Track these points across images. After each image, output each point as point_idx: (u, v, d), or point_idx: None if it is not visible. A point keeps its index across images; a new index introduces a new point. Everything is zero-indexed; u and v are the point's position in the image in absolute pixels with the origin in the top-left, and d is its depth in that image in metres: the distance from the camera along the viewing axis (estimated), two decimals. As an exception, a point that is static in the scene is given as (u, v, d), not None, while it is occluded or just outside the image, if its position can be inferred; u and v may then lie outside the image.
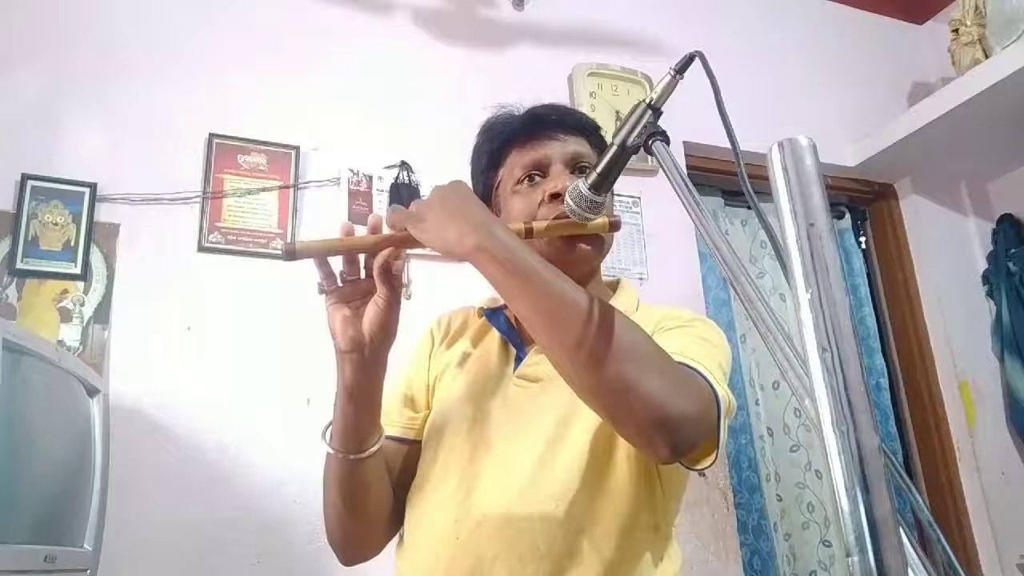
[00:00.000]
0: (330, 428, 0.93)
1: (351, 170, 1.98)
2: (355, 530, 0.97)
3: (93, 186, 1.74)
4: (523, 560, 0.86)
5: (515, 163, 1.03)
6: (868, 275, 2.77)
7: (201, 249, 1.80)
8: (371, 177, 2.00)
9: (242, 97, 1.95)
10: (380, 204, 1.98)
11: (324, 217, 1.92)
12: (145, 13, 1.92)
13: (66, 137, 1.77)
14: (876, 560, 0.40)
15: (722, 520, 2.06)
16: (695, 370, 0.83)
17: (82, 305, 1.68)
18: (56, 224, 1.70)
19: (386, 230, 0.85)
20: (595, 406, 0.80)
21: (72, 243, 1.70)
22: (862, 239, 2.84)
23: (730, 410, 0.87)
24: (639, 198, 2.25)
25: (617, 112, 2.29)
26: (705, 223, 0.70)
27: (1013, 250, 2.68)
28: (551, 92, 2.25)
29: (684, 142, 2.29)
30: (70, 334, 1.65)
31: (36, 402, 1.28)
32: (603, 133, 1.08)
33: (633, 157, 0.85)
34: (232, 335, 1.77)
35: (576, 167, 1.01)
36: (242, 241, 1.84)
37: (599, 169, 0.87)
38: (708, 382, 0.83)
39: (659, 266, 2.23)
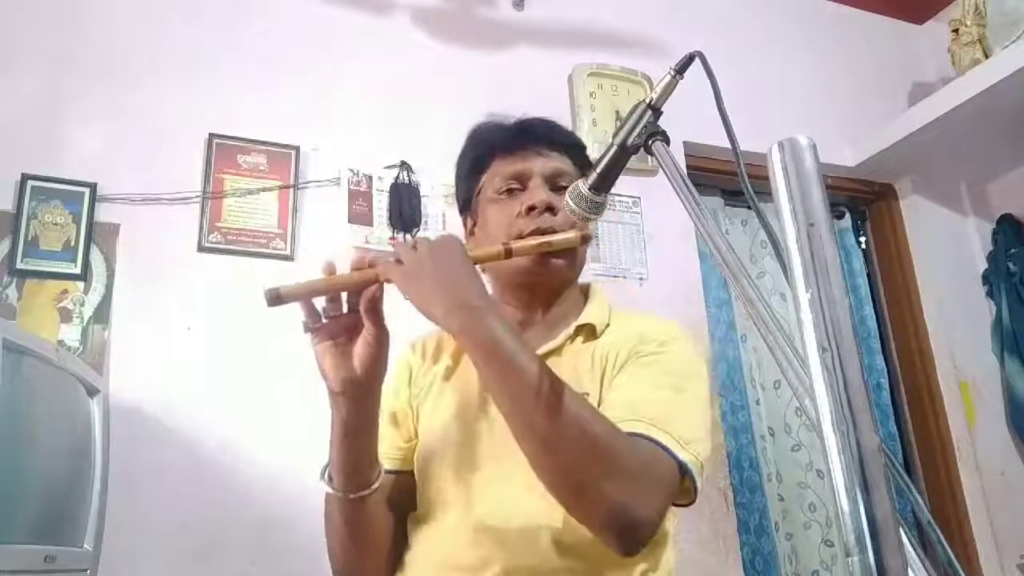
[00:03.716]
0: (328, 468, 0.93)
1: (351, 170, 1.98)
2: (363, 566, 0.97)
3: (93, 186, 1.74)
4: None
5: (497, 172, 1.04)
6: (868, 275, 2.77)
7: (201, 249, 1.80)
8: (371, 177, 2.00)
9: (242, 97, 1.94)
10: (380, 204, 1.98)
11: (324, 217, 1.92)
12: (145, 13, 1.92)
13: (66, 137, 1.77)
14: (876, 560, 0.39)
15: (722, 520, 2.05)
16: (660, 445, 0.83)
17: (82, 305, 1.68)
18: (56, 224, 1.70)
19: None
20: (554, 496, 0.81)
21: (72, 243, 1.70)
22: (862, 239, 2.84)
23: (704, 466, 0.87)
24: (639, 198, 2.25)
25: (617, 112, 2.29)
26: (705, 223, 0.70)
27: (1013, 250, 2.68)
28: (551, 92, 2.27)
29: (684, 142, 2.29)
30: (70, 334, 1.65)
31: (36, 402, 1.28)
32: (588, 153, 1.10)
33: (633, 157, 0.86)
34: (232, 335, 1.77)
35: (555, 184, 1.02)
36: (242, 241, 1.84)
37: (599, 169, 0.87)
38: (674, 458, 0.83)
39: (659, 266, 2.23)
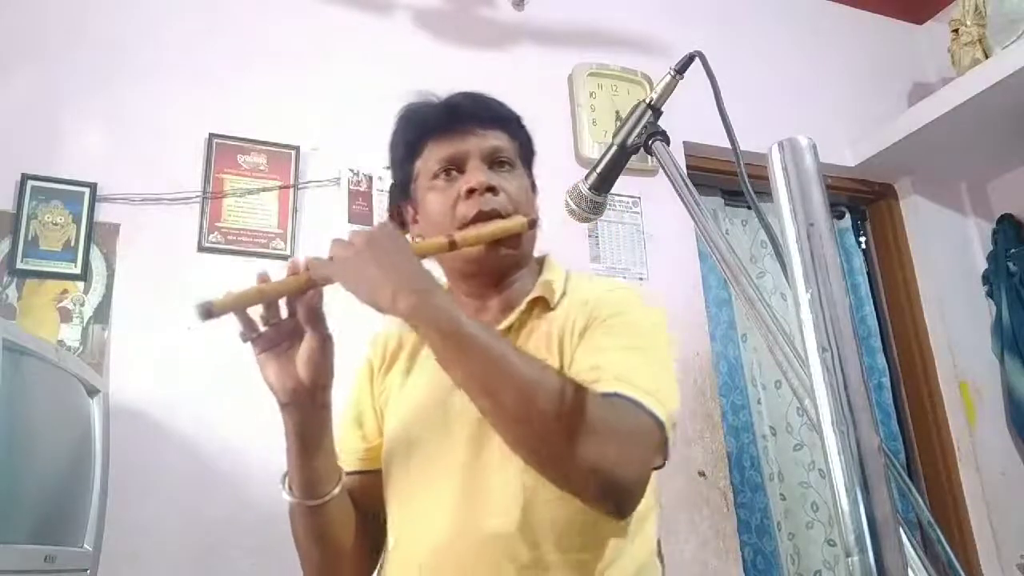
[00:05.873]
0: (287, 477, 0.93)
1: (351, 170, 1.98)
2: (333, 569, 0.97)
3: (93, 186, 1.74)
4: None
5: (431, 156, 1.00)
6: (868, 275, 2.77)
7: (201, 249, 1.80)
8: (371, 177, 2.00)
9: (242, 97, 1.94)
10: (380, 204, 1.97)
11: (324, 217, 1.92)
12: (145, 13, 1.92)
13: (66, 137, 1.77)
14: (876, 560, 0.39)
15: (722, 520, 2.05)
16: (635, 402, 0.80)
17: (82, 305, 1.68)
18: (56, 224, 1.70)
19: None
20: (533, 467, 0.79)
21: (72, 243, 1.70)
22: (862, 239, 2.84)
23: (673, 416, 0.85)
24: (639, 198, 2.25)
25: (617, 112, 2.29)
26: (705, 223, 0.70)
27: (1013, 250, 2.68)
28: (551, 92, 2.27)
29: (684, 142, 2.29)
30: (70, 334, 1.65)
31: (36, 402, 1.28)
32: (524, 123, 1.05)
33: (633, 157, 0.86)
34: (232, 335, 1.76)
35: (494, 162, 0.98)
36: (242, 241, 1.84)
37: (599, 169, 0.87)
38: (649, 412, 0.80)
39: (659, 266, 2.22)
